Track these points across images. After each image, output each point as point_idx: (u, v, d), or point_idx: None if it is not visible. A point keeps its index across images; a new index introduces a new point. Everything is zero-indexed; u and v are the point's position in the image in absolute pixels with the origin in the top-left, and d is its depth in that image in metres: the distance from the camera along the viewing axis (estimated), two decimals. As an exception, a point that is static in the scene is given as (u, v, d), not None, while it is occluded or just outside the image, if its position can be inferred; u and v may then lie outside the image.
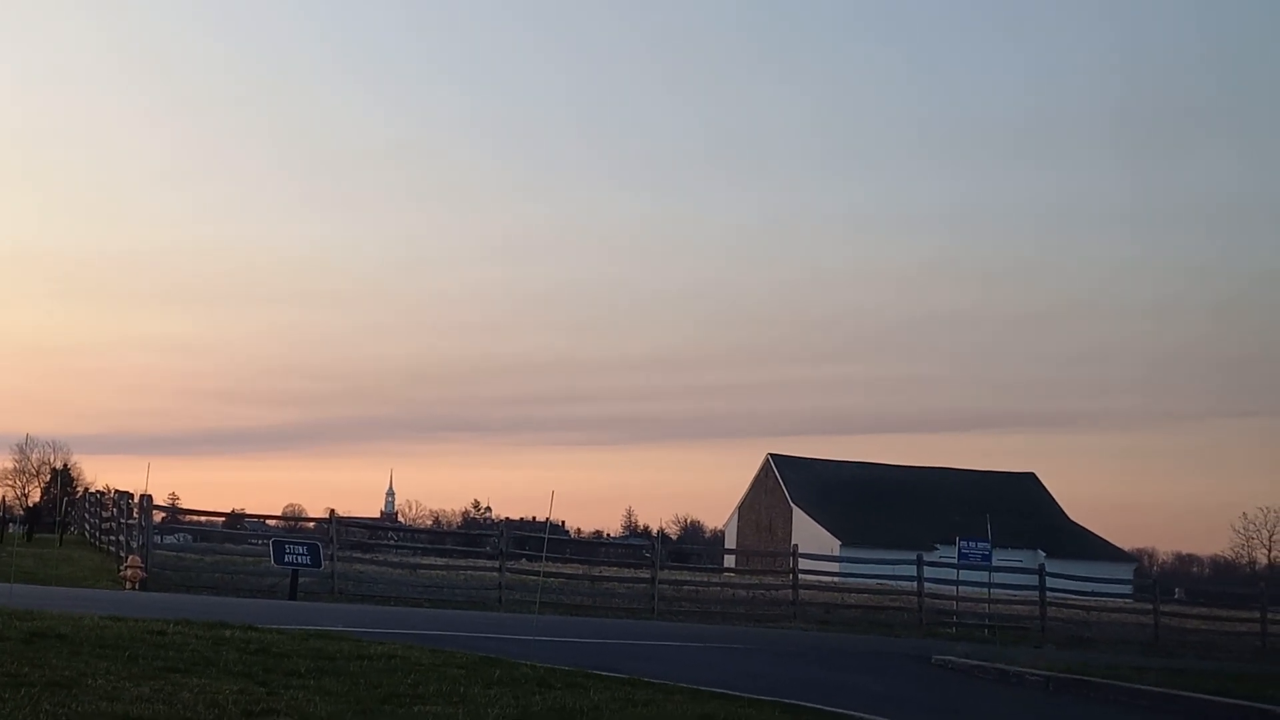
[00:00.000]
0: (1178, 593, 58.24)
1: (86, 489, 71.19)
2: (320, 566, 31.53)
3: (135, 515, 33.07)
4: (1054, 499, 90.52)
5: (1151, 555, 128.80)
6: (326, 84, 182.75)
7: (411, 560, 40.06)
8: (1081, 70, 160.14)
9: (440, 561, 39.86)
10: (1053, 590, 40.60)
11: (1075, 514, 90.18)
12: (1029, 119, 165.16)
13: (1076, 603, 42.89)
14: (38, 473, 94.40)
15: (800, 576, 39.09)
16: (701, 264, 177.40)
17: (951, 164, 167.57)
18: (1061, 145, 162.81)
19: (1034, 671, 20.12)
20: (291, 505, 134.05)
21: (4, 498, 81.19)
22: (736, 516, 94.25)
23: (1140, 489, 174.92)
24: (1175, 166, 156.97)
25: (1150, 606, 42.16)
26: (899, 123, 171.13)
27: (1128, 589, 54.60)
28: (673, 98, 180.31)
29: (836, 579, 44.01)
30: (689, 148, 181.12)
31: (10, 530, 48.05)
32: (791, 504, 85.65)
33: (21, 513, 64.32)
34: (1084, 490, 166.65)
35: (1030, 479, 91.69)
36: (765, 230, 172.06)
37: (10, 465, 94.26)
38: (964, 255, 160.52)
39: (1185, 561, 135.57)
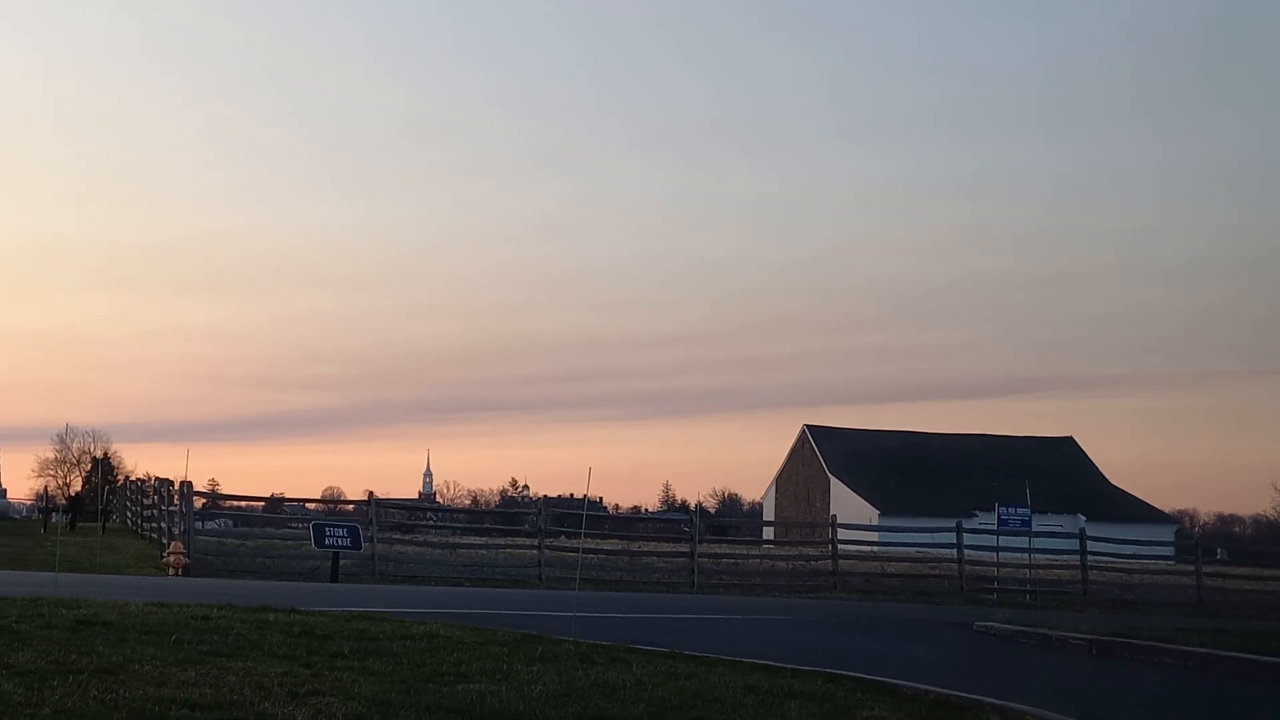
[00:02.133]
0: (1220, 553, 57.86)
1: (127, 477, 71.68)
2: (360, 548, 31.67)
3: (176, 502, 33.26)
4: (1093, 463, 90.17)
5: (1192, 516, 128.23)
6: (353, 64, 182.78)
7: (451, 540, 40.25)
8: (1101, 34, 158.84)
9: (479, 540, 40.00)
10: (1094, 554, 40.49)
11: (1115, 477, 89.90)
12: (1049, 84, 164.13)
13: (1118, 566, 42.76)
14: (79, 462, 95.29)
15: (839, 546, 39.06)
16: (728, 237, 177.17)
17: (972, 131, 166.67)
18: (1084, 109, 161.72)
19: (1077, 635, 20.07)
20: (330, 488, 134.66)
21: (46, 487, 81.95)
22: (774, 488, 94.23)
23: (1180, 450, 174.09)
24: (1201, 126, 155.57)
25: (1192, 568, 42.00)
26: (919, 91, 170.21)
27: (1169, 551, 54.35)
28: (692, 71, 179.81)
29: (876, 548, 43.92)
30: (709, 121, 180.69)
31: (53, 520, 48.39)
32: (829, 474, 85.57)
33: (64, 502, 64.78)
34: (1123, 453, 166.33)
35: (1068, 443, 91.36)
36: (789, 202, 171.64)
37: (51, 455, 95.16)
38: (989, 222, 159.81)
39: (1227, 522, 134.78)
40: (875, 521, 66.65)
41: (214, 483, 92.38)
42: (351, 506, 58.83)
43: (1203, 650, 18.18)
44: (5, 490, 68.33)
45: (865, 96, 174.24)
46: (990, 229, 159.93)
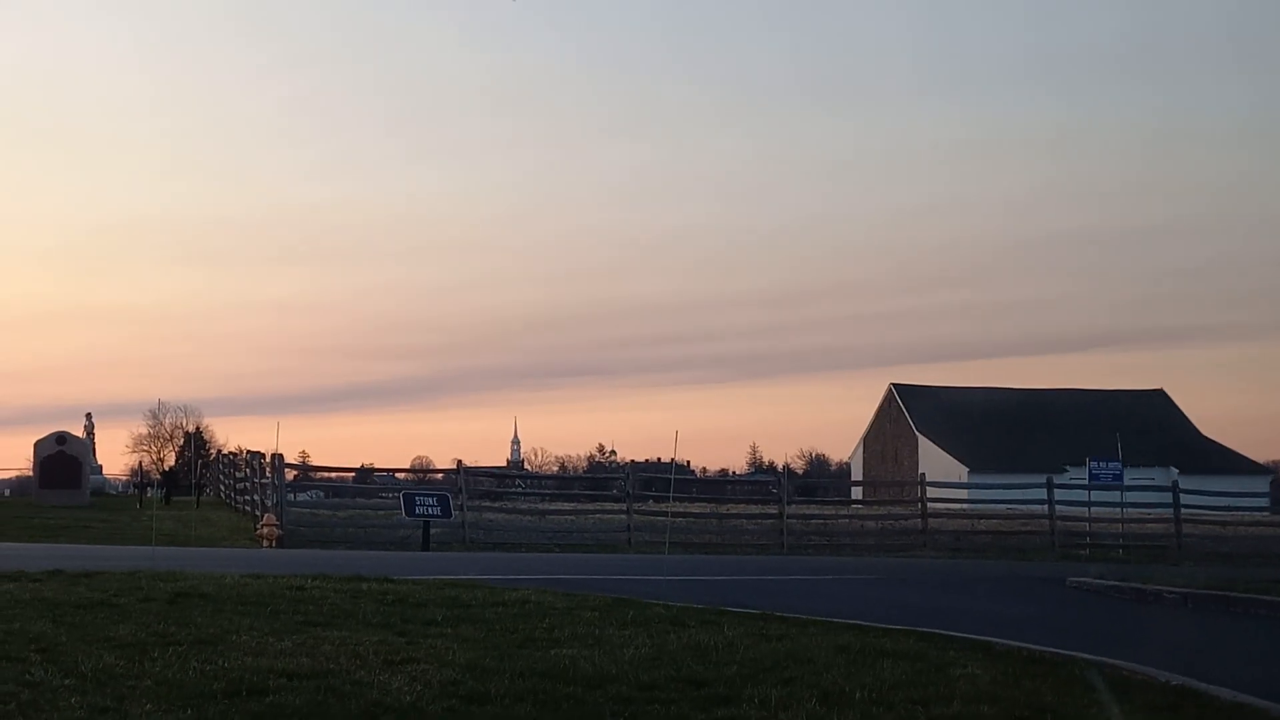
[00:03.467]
0: (1317, 503, 57.04)
1: (219, 450, 72.58)
2: (450, 517, 31.90)
3: (268, 474, 33.66)
4: (1184, 415, 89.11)
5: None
6: (431, 33, 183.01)
7: (539, 506, 40.45)
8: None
9: (568, 506, 40.19)
10: (1187, 507, 40.04)
11: (1207, 429, 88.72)
12: (1139, 36, 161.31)
13: (1212, 518, 42.27)
14: (171, 437, 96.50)
15: (929, 505, 38.90)
16: (808, 198, 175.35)
17: (1058, 85, 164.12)
18: (1171, 61, 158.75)
19: (1172, 589, 19.89)
20: (419, 458, 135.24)
21: (141, 463, 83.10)
22: (861, 448, 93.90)
23: (1274, 400, 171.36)
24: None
25: (1289, 519, 41.48)
26: (1002, 46, 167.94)
27: (1264, 502, 53.62)
28: (771, 29, 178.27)
29: (965, 506, 43.68)
30: (789, 79, 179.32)
31: (148, 494, 49.08)
32: (917, 433, 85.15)
33: (158, 476, 65.67)
34: (1215, 405, 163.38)
35: (1159, 395, 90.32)
36: (869, 160, 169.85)
37: (145, 431, 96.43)
38: (1077, 176, 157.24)
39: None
40: (964, 479, 66.33)
41: (305, 455, 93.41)
42: (441, 475, 59.18)
43: (1301, 602, 17.95)
44: (101, 466, 69.32)
45: (946, 53, 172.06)
46: (1078, 183, 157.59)
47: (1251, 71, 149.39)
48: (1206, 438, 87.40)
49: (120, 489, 70.38)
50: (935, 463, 76.18)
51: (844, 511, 44.04)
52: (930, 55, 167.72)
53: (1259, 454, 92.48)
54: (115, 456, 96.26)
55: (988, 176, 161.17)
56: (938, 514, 39.72)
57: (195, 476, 60.38)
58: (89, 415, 64.62)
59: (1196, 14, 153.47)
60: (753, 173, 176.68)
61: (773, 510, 36.89)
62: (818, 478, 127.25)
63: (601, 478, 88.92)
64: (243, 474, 42.77)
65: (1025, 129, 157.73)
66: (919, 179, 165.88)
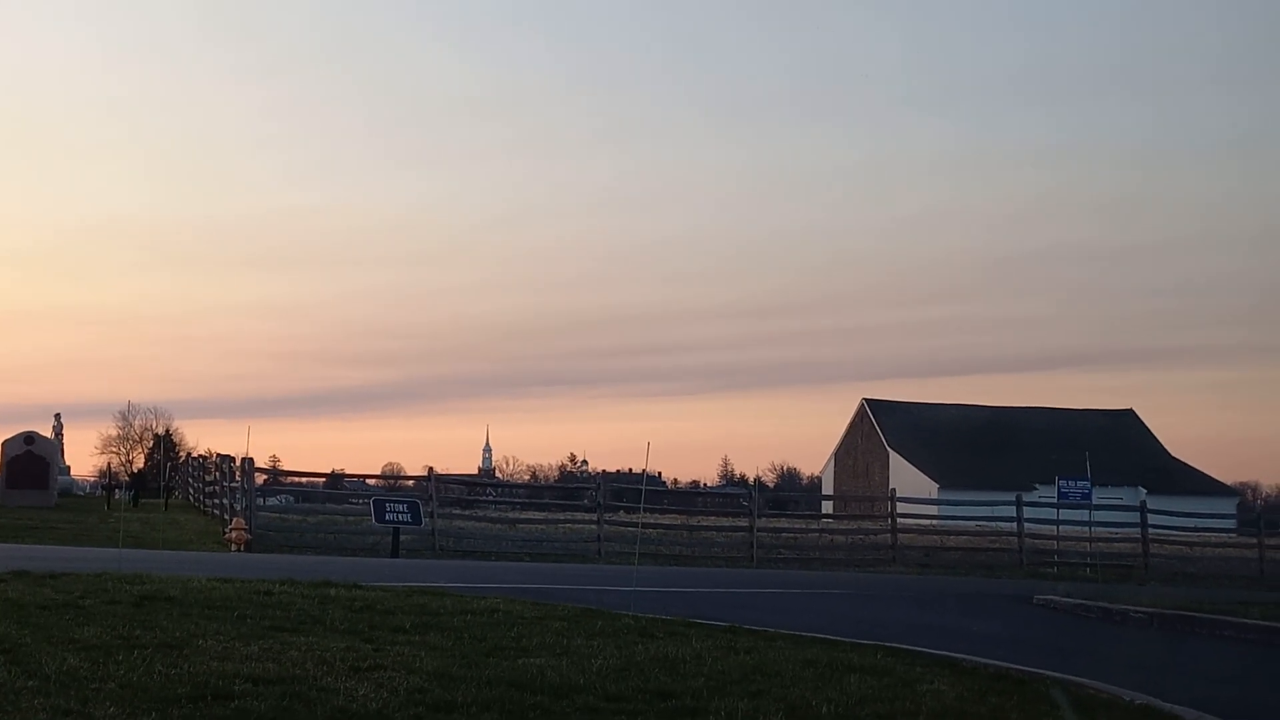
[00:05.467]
0: (1283, 526, 57.31)
1: (189, 453, 72.29)
2: (420, 524, 31.84)
3: (238, 478, 33.53)
4: (1154, 435, 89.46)
5: (1255, 489, 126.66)
6: (414, 39, 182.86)
7: (510, 515, 40.43)
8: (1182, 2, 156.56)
9: (539, 515, 40.19)
10: (1154, 527, 40.22)
11: (1176, 450, 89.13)
12: (1131, 52, 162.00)
13: (1179, 539, 42.48)
14: (141, 439, 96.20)
15: (899, 520, 38.97)
16: (796, 211, 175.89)
17: (1049, 101, 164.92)
18: (1162, 78, 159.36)
19: (1138, 609, 19.97)
20: (390, 464, 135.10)
21: (109, 464, 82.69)
22: (833, 462, 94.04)
23: (1243, 423, 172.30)
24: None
25: (1255, 541, 41.68)
26: (995, 60, 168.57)
27: (1231, 524, 53.88)
28: (761, 38, 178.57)
29: (935, 522, 43.80)
30: (779, 92, 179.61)
31: (117, 496, 48.88)
32: (888, 448, 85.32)
33: (127, 478, 65.43)
34: (1185, 426, 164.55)
35: (1129, 416, 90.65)
36: (860, 174, 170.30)
37: (114, 432, 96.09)
38: (1062, 193, 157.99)
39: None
40: (934, 495, 66.46)
41: (275, 459, 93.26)
42: (411, 482, 59.10)
43: (1265, 623, 18.05)
44: (69, 467, 69.00)
45: (939, 65, 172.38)
46: (1063, 200, 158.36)
47: (1239, 94, 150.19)
48: (1175, 459, 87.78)
49: (88, 490, 70.01)
50: (906, 478, 76.32)
51: (814, 525, 44.08)
52: (924, 68, 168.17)
53: (1227, 476, 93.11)
54: (84, 458, 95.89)
55: (977, 191, 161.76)
56: (907, 529, 39.79)
57: (164, 479, 60.13)
58: (58, 416, 64.31)
59: (1189, 33, 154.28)
60: (735, 185, 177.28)
61: (743, 523, 36.90)
62: (789, 491, 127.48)
63: (573, 487, 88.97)
64: (212, 477, 42.59)
65: (1011, 146, 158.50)
66: (899, 195, 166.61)
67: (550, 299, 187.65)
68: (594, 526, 35.00)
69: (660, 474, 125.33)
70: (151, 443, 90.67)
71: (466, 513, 38.34)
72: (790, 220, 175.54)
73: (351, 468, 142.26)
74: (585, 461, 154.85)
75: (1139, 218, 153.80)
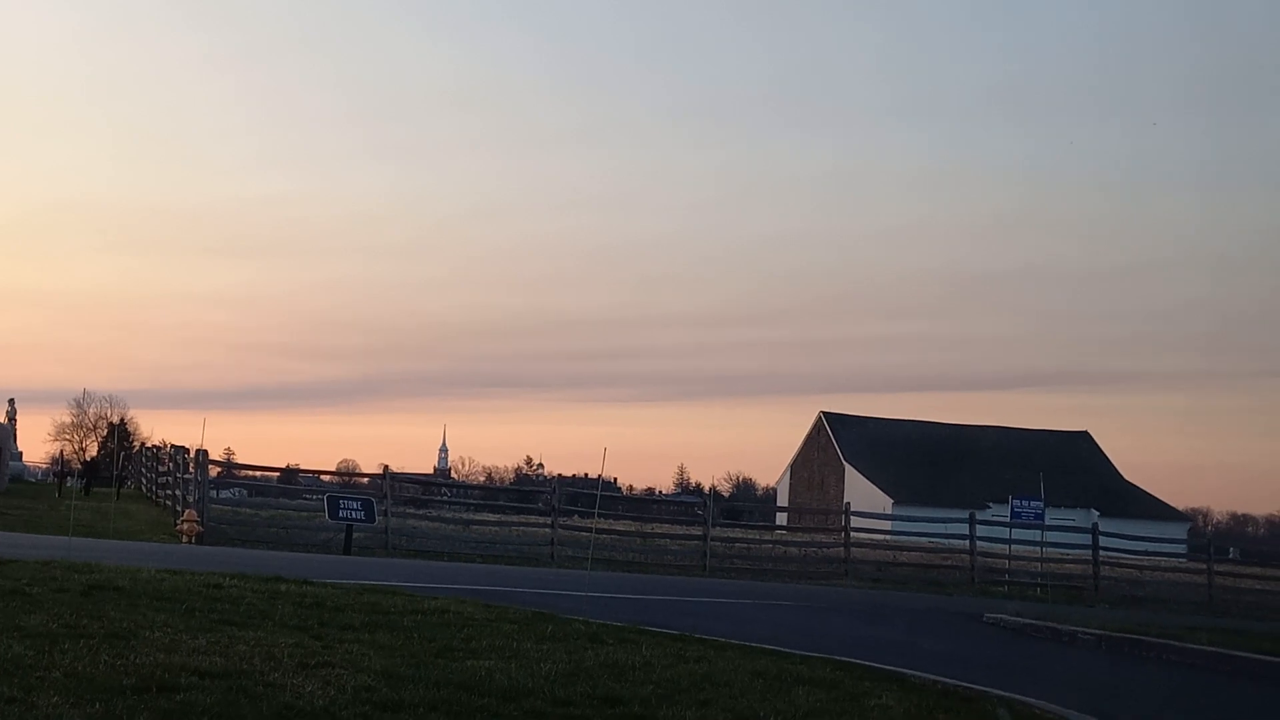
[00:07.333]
0: (1232, 552, 57.75)
1: (143, 443, 71.89)
2: (374, 522, 31.74)
3: (191, 470, 33.34)
4: (1108, 458, 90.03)
5: (1206, 515, 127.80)
6: (393, 29, 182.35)
7: (464, 516, 40.33)
8: (1157, 27, 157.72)
9: (493, 518, 40.09)
10: (1106, 549, 40.42)
11: (1129, 474, 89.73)
12: (1104, 74, 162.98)
13: (1130, 562, 42.71)
14: (95, 427, 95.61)
15: (852, 534, 39.02)
16: (768, 218, 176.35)
17: (1022, 119, 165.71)
18: (1135, 102, 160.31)
19: (1087, 630, 20.06)
20: (346, 461, 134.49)
21: (62, 451, 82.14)
22: (789, 474, 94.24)
23: (1196, 449, 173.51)
24: (1252, 125, 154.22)
25: (1204, 566, 41.97)
26: (969, 75, 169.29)
27: (1182, 548, 54.33)
28: (742, 42, 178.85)
29: (889, 537, 43.92)
30: (756, 97, 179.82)
31: (68, 484, 48.57)
32: (844, 461, 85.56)
33: (79, 466, 65.00)
34: (1139, 450, 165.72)
35: (1084, 438, 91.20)
36: (833, 185, 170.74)
37: (68, 419, 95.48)
38: (1034, 213, 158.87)
39: (1240, 521, 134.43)
40: (889, 510, 66.60)
41: (229, 451, 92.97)
42: (366, 480, 58.95)
43: (1212, 649, 18.16)
44: (21, 453, 68.57)
45: (914, 78, 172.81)
46: (1033, 221, 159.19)
47: (1207, 122, 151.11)
48: (1128, 482, 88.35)
49: (40, 477, 69.60)
50: (861, 492, 76.51)
51: (768, 536, 44.16)
52: (899, 79, 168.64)
53: (1179, 501, 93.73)
54: (37, 444, 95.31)
55: (946, 208, 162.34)
56: (861, 544, 39.87)
57: (117, 468, 59.76)
58: (11, 401, 64.06)
59: (1162, 58, 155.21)
60: (709, 190, 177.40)
61: (697, 532, 36.91)
62: (744, 501, 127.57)
63: (528, 490, 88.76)
64: (165, 468, 42.34)
65: (984, 163, 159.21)
66: (870, 207, 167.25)
67: (514, 299, 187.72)
68: (548, 530, 34.94)
69: (616, 480, 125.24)
70: (106, 431, 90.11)
71: (421, 512, 38.21)
72: (761, 228, 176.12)
73: (307, 463, 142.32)
74: (541, 465, 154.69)
75: (1107, 240, 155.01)
